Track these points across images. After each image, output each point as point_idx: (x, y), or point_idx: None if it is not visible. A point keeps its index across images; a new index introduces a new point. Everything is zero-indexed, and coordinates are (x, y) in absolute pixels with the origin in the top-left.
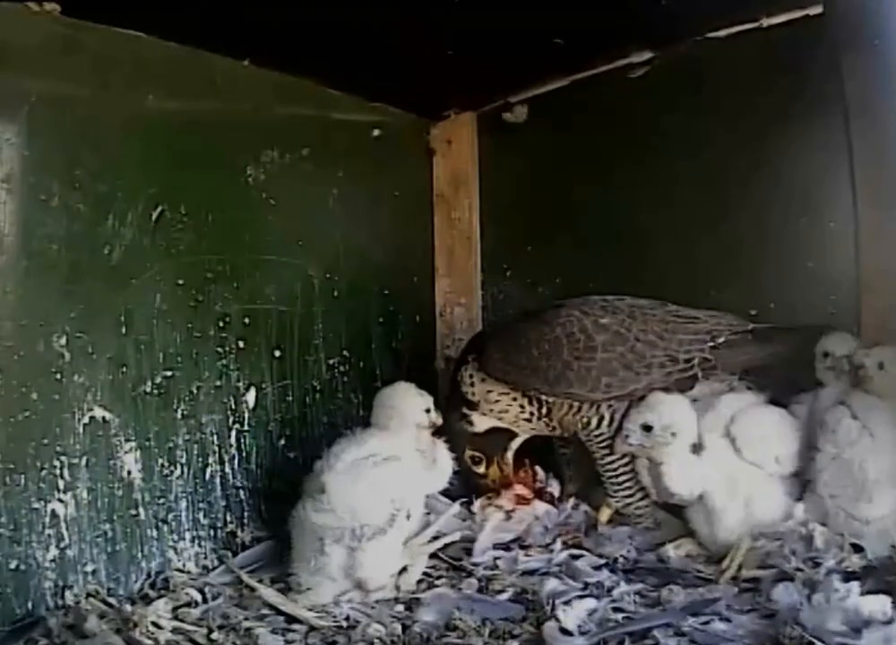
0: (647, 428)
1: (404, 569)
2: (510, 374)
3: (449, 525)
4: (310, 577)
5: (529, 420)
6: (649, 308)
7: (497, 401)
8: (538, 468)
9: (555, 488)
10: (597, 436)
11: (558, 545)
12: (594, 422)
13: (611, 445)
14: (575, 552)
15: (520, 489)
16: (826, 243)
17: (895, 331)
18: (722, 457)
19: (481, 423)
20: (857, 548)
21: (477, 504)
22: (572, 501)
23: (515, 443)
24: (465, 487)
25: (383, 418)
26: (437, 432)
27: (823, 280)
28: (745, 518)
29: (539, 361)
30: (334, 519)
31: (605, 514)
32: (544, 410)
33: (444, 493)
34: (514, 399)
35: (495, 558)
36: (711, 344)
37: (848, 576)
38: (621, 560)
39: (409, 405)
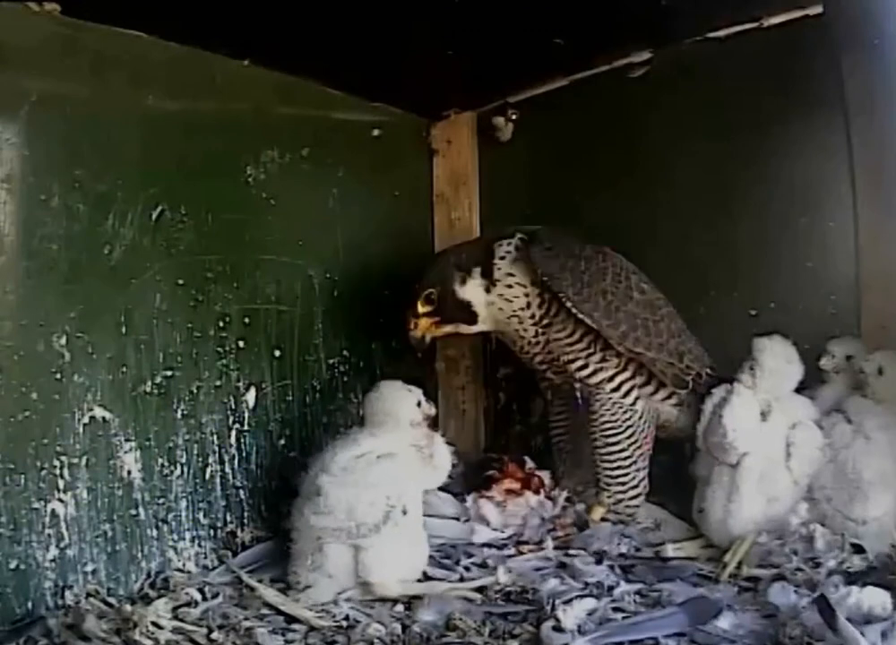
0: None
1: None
2: (550, 267)
3: (449, 528)
4: (309, 575)
5: (520, 321)
6: (672, 308)
7: (511, 287)
8: (525, 458)
9: (544, 475)
10: (602, 420)
11: (550, 543)
12: (579, 363)
13: (613, 434)
14: (571, 551)
15: (509, 483)
16: (826, 243)
17: (895, 332)
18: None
19: (470, 293)
20: (858, 549)
21: (469, 498)
22: (565, 494)
23: (463, 330)
24: (463, 482)
25: (376, 420)
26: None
27: (823, 280)
28: (761, 513)
29: (582, 274)
30: (332, 520)
31: (597, 513)
32: (545, 322)
33: (442, 487)
34: (527, 295)
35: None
36: (708, 370)
37: (848, 577)
38: (615, 555)
39: (400, 405)
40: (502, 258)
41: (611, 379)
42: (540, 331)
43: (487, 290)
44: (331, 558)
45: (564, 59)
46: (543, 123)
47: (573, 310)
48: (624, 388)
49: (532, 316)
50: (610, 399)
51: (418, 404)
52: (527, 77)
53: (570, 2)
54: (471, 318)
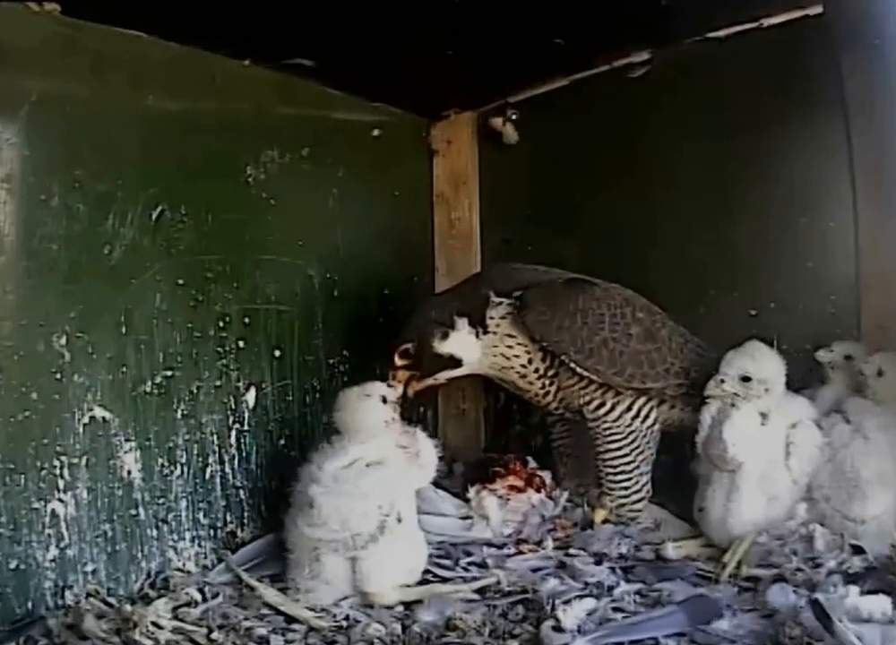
0: (745, 379)
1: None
2: (547, 331)
3: (448, 526)
4: (308, 583)
5: (522, 376)
6: (669, 319)
7: (510, 347)
8: (528, 458)
9: (545, 475)
10: (605, 427)
11: (550, 543)
12: (595, 403)
13: (616, 440)
14: (571, 551)
15: (513, 479)
16: (826, 243)
17: (894, 332)
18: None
19: (453, 346)
20: (858, 550)
21: (472, 489)
22: (566, 495)
23: (447, 375)
24: (461, 479)
25: (351, 431)
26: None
27: (823, 280)
28: (762, 513)
29: (580, 330)
30: (327, 531)
31: (599, 515)
32: (551, 372)
33: (441, 486)
34: (528, 353)
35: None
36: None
37: (848, 578)
38: (615, 556)
39: (365, 413)
40: (503, 318)
41: (629, 408)
42: (548, 382)
43: (478, 336)
44: (328, 567)
45: (564, 59)
46: (543, 123)
47: (578, 369)
48: (643, 411)
49: (536, 371)
50: (621, 417)
51: (384, 400)
52: (527, 77)
53: (570, 2)
54: (455, 365)
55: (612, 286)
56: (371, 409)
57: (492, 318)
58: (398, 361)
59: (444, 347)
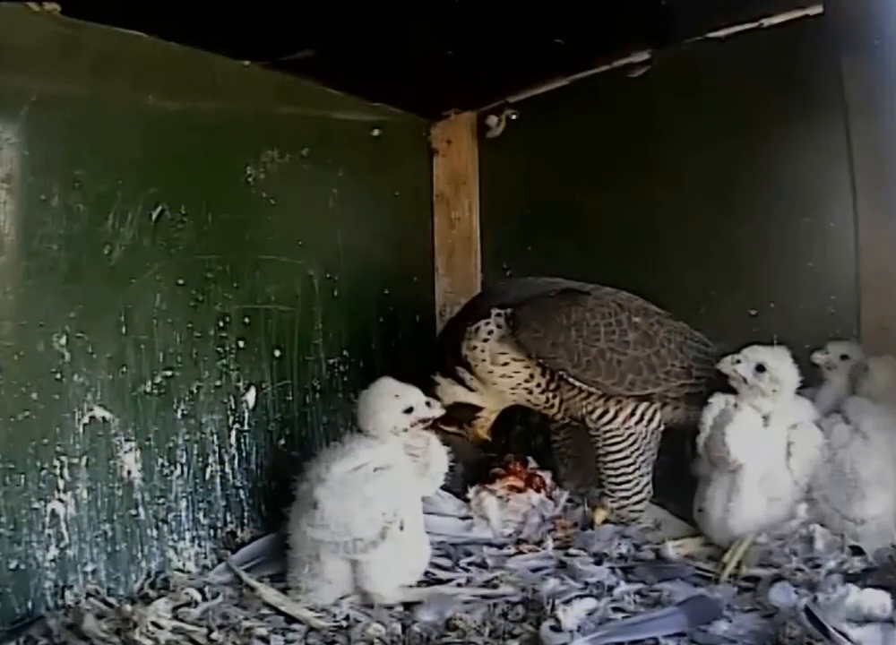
0: (760, 368)
1: None
2: (542, 348)
3: (449, 526)
4: (309, 581)
5: (530, 392)
6: (667, 317)
7: (506, 364)
8: (528, 458)
9: (546, 476)
10: (605, 430)
11: (550, 543)
12: (598, 412)
13: (616, 442)
14: (571, 551)
15: (513, 480)
16: (826, 243)
17: (894, 331)
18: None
19: (450, 394)
20: (858, 550)
21: (472, 490)
22: (566, 495)
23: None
24: (461, 479)
25: (363, 421)
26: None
27: (823, 280)
28: (761, 513)
29: (576, 344)
30: (328, 533)
31: (599, 516)
32: (553, 385)
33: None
34: (527, 368)
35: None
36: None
37: (848, 578)
38: (615, 556)
39: (382, 413)
40: (485, 340)
41: (632, 413)
42: (551, 395)
43: (462, 383)
44: (329, 566)
45: (564, 59)
46: (543, 123)
47: (577, 383)
48: (647, 415)
49: (539, 385)
50: (625, 422)
51: (409, 410)
52: (527, 77)
53: (570, 2)
54: (471, 413)
55: (606, 292)
56: (389, 412)
57: (476, 346)
58: (452, 429)
59: (444, 398)
